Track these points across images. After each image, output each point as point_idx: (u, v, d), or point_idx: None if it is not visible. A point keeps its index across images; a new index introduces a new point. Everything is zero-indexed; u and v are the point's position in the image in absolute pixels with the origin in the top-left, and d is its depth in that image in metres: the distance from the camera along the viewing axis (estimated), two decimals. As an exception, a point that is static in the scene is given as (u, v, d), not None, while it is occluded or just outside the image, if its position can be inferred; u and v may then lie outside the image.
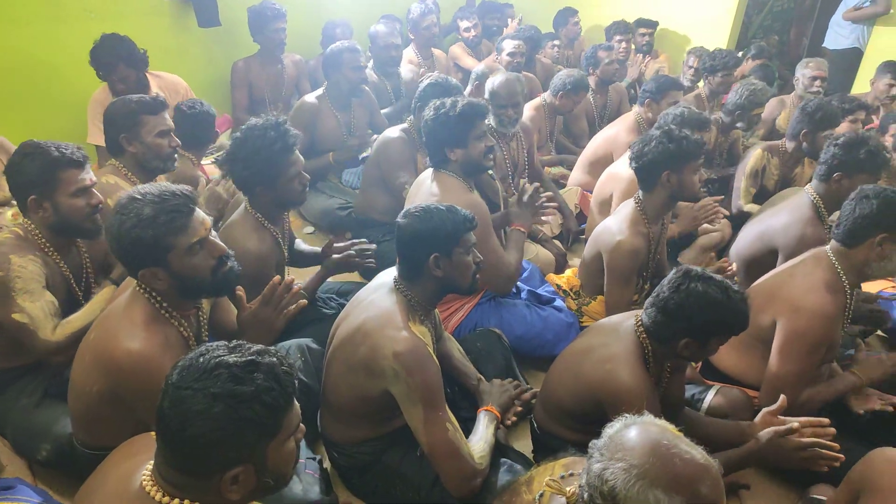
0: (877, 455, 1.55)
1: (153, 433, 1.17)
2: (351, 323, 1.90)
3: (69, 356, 1.79)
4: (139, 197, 1.58)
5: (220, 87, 4.44)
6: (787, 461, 1.78)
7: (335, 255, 2.46)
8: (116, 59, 3.17)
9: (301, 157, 2.29)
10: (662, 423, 1.13)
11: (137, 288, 1.66)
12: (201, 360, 1.13)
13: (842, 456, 1.71)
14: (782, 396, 1.89)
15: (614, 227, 2.60)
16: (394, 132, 3.26)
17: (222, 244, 1.70)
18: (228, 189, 2.64)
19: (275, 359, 1.16)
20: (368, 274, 2.69)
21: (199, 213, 1.65)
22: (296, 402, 1.19)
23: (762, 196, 3.50)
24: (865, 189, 2.13)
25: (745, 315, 1.74)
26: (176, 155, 2.54)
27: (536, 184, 2.71)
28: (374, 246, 2.55)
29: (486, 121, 2.63)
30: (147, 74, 3.35)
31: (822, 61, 4.55)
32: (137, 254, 1.58)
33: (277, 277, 1.79)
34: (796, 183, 3.51)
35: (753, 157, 3.55)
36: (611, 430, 1.12)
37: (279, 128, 2.19)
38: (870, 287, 2.93)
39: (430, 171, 2.65)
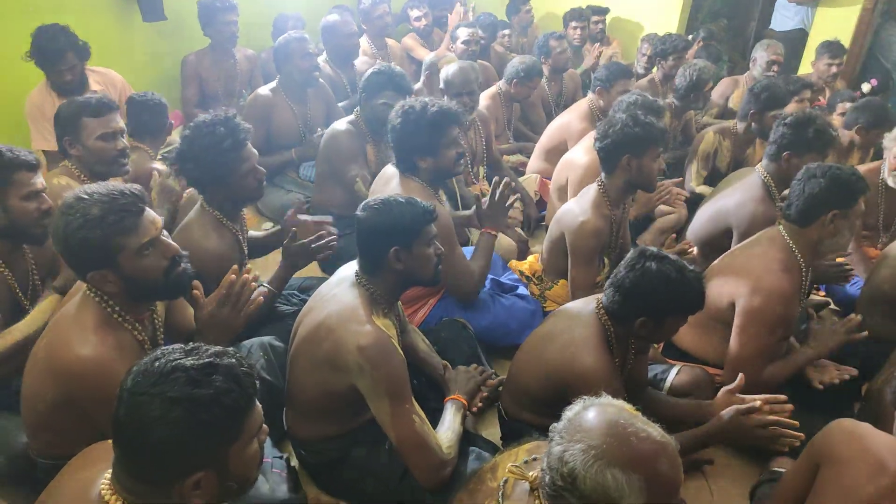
0: (835, 426, 1.59)
1: (111, 440, 1.13)
2: (313, 319, 1.87)
3: (13, 367, 1.73)
4: (86, 196, 1.52)
5: (168, 83, 4.32)
6: (749, 438, 1.82)
7: (296, 243, 2.36)
8: (65, 47, 3.07)
9: (255, 151, 2.22)
10: (620, 403, 1.14)
11: (88, 291, 1.60)
12: (157, 364, 1.09)
13: (801, 434, 1.76)
14: (741, 375, 1.94)
15: (577, 208, 2.62)
16: (341, 125, 3.20)
17: (175, 244, 1.65)
18: (181, 182, 2.58)
19: (234, 360, 1.13)
20: (330, 268, 2.66)
21: (150, 212, 1.60)
22: (257, 404, 1.16)
23: (715, 178, 3.58)
24: (812, 168, 2.19)
25: (700, 294, 1.77)
26: (124, 159, 2.45)
27: (506, 179, 2.66)
28: (335, 232, 2.47)
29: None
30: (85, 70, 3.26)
31: (778, 45, 4.65)
32: (85, 256, 1.52)
33: (233, 275, 1.73)
34: (748, 163, 3.59)
35: (705, 140, 3.62)
36: (570, 412, 1.13)
37: (228, 123, 2.13)
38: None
39: (395, 171, 2.59)
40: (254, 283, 1.78)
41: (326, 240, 2.38)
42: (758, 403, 1.80)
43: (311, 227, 2.44)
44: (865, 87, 4.68)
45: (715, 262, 2.42)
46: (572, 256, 2.62)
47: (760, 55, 4.59)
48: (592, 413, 1.10)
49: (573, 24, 5.45)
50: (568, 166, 3.25)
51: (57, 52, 3.07)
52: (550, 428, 1.14)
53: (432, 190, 2.54)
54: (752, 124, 3.45)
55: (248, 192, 2.23)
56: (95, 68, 3.49)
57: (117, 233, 1.52)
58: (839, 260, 2.74)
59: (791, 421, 1.79)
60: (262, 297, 1.79)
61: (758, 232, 2.37)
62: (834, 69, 4.63)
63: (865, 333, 2.24)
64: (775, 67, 4.50)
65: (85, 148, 2.37)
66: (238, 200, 2.27)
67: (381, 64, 3.26)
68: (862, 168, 3.13)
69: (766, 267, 2.16)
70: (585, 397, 1.16)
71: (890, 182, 3.03)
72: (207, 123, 2.12)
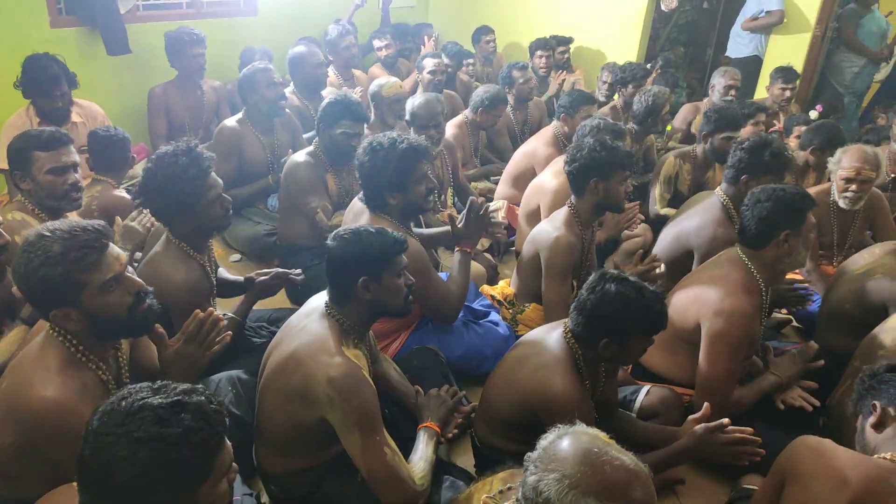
0: (798, 443, 1.63)
1: (76, 483, 1.11)
2: (283, 351, 1.85)
3: None
4: (48, 234, 1.50)
5: (133, 115, 4.31)
6: (718, 455, 1.86)
7: (261, 278, 2.41)
8: (59, 74, 3.15)
9: (219, 181, 2.20)
10: (593, 431, 1.15)
11: (51, 330, 1.57)
12: (123, 403, 1.07)
13: (762, 451, 1.82)
14: (706, 404, 1.97)
15: (550, 226, 2.67)
16: (300, 156, 3.19)
17: (139, 280, 1.62)
18: (143, 222, 2.55)
19: (203, 397, 1.11)
20: (299, 299, 2.65)
21: (114, 248, 1.58)
22: (227, 442, 1.14)
23: (677, 200, 3.66)
24: (757, 192, 2.26)
25: (660, 314, 1.81)
26: (76, 193, 2.39)
27: (481, 199, 2.66)
28: (301, 278, 2.50)
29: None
30: None
31: (735, 71, 4.80)
32: (47, 294, 1.49)
33: (199, 312, 1.71)
34: (709, 186, 3.69)
35: (666, 164, 3.72)
36: (544, 441, 1.13)
37: (191, 153, 2.10)
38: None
39: (364, 208, 2.56)
40: (223, 322, 1.75)
41: (292, 277, 2.44)
42: (726, 421, 1.84)
43: (272, 282, 2.45)
44: (812, 115, 4.86)
45: (679, 283, 2.47)
46: (546, 273, 2.64)
47: (718, 81, 4.74)
48: (566, 442, 1.11)
49: (539, 52, 5.57)
50: (538, 191, 3.30)
51: (52, 80, 3.14)
52: (525, 457, 1.14)
53: (403, 227, 2.51)
54: (705, 145, 3.56)
55: (215, 220, 2.20)
56: (78, 100, 3.49)
57: (80, 269, 1.49)
58: (798, 278, 2.82)
59: (754, 438, 1.83)
60: (228, 336, 1.77)
61: (718, 253, 2.43)
62: (787, 93, 4.80)
63: (822, 363, 2.32)
64: (733, 92, 4.65)
65: (35, 182, 2.32)
66: (205, 230, 2.23)
67: (336, 93, 3.28)
68: (813, 190, 3.24)
69: (728, 289, 2.21)
70: (560, 425, 1.17)
71: (841, 204, 3.14)
72: (169, 154, 2.10)
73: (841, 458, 1.53)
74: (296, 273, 2.51)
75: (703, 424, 1.86)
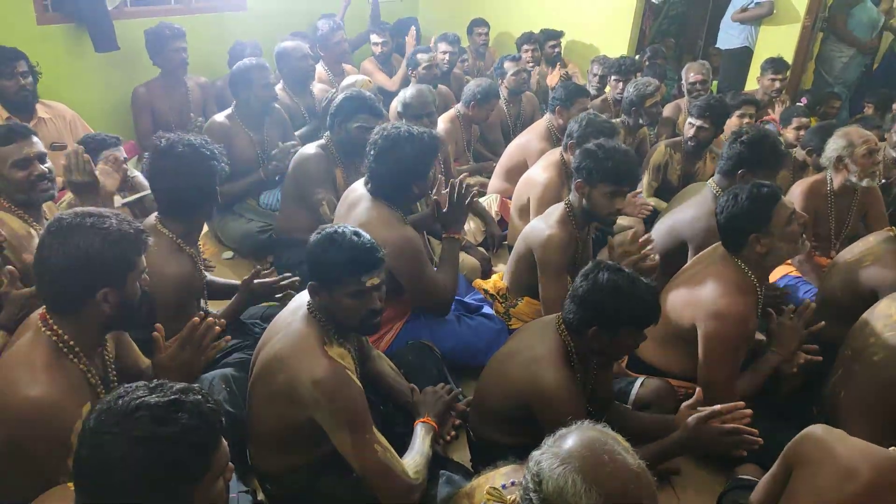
0: (808, 432, 1.64)
1: (70, 484, 1.10)
2: (268, 351, 1.85)
3: None
4: (97, 217, 1.54)
5: (122, 113, 4.26)
6: (713, 445, 1.84)
7: (256, 281, 2.40)
8: (18, 54, 3.19)
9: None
10: (602, 428, 1.15)
11: (41, 327, 1.55)
12: (120, 402, 1.07)
13: (759, 439, 1.80)
14: (698, 389, 1.97)
15: (544, 224, 2.65)
16: (311, 148, 3.20)
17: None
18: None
19: (199, 396, 1.11)
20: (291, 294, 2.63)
21: None
22: (224, 441, 1.14)
23: (667, 190, 3.68)
24: (720, 202, 2.26)
25: (651, 306, 1.81)
26: (46, 183, 2.33)
27: (462, 177, 2.65)
28: (297, 278, 2.49)
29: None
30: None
31: (703, 64, 4.78)
32: (101, 273, 1.52)
33: (196, 318, 1.70)
34: (699, 177, 3.70)
35: (656, 152, 3.74)
36: (552, 438, 1.14)
37: (198, 139, 2.21)
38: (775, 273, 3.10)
39: (363, 192, 2.55)
40: (217, 328, 1.74)
41: (287, 282, 2.44)
42: (718, 408, 1.83)
43: (269, 284, 2.44)
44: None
45: (673, 278, 2.47)
46: (542, 272, 2.64)
47: (686, 77, 4.73)
48: (575, 432, 1.12)
49: (525, 47, 5.56)
50: (528, 184, 3.29)
51: (13, 54, 3.17)
52: (530, 456, 1.14)
53: (401, 213, 2.53)
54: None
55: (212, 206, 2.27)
56: (45, 101, 3.46)
57: (134, 251, 1.57)
58: (792, 271, 2.80)
59: (750, 429, 1.81)
60: (225, 340, 1.76)
61: (712, 244, 2.43)
62: (777, 84, 4.80)
63: (823, 323, 2.28)
64: (698, 86, 4.61)
65: (2, 178, 2.27)
66: (202, 218, 2.28)
67: (353, 89, 3.27)
68: (808, 180, 3.24)
69: (723, 290, 2.19)
70: (554, 420, 1.18)
71: (867, 183, 3.07)
72: (185, 141, 2.19)
73: (851, 449, 1.53)
74: (291, 278, 2.49)
75: (696, 414, 1.85)
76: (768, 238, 2.17)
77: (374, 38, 5.36)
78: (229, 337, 1.81)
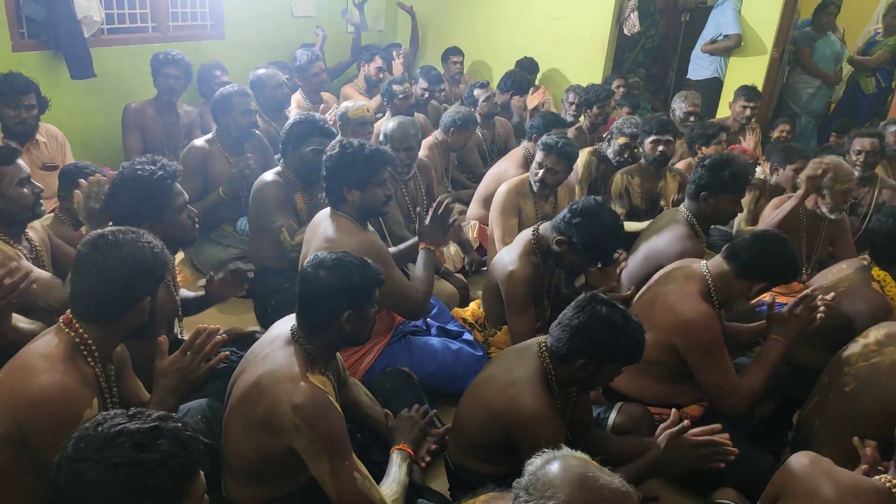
0: (793, 461, 1.64)
1: None
2: (246, 380, 1.82)
3: None
4: (134, 233, 1.66)
5: (98, 139, 4.25)
6: (688, 461, 1.85)
7: (216, 277, 2.44)
8: (29, 86, 3.21)
9: (185, 192, 2.25)
10: (581, 455, 1.15)
11: (64, 328, 1.59)
12: (100, 429, 1.07)
13: (735, 449, 1.81)
14: (673, 410, 1.97)
15: (507, 257, 2.66)
16: (268, 176, 3.18)
17: None
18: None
19: (179, 424, 1.12)
20: (267, 323, 2.61)
21: None
22: (201, 471, 1.14)
23: (635, 213, 3.76)
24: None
25: (639, 344, 1.83)
26: (41, 200, 2.36)
27: (448, 195, 2.70)
28: (251, 267, 2.55)
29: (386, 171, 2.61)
30: None
31: (695, 96, 4.92)
32: (147, 282, 1.65)
33: (200, 326, 1.76)
34: (663, 196, 3.81)
35: (614, 183, 3.86)
36: (531, 467, 1.12)
37: (156, 162, 2.18)
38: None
39: (326, 211, 2.61)
40: (220, 337, 1.78)
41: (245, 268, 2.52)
42: (687, 422, 1.85)
43: (230, 279, 2.50)
44: None
45: (637, 295, 2.50)
46: (507, 305, 2.66)
47: (679, 106, 4.86)
48: (558, 466, 1.10)
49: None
50: (496, 183, 3.44)
51: (24, 87, 3.19)
52: (513, 484, 1.13)
53: (360, 225, 2.54)
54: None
55: (184, 230, 2.24)
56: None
57: (166, 264, 1.71)
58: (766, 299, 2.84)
59: (725, 441, 1.82)
60: (227, 352, 1.79)
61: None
62: (748, 111, 4.90)
63: (831, 297, 2.30)
64: (692, 118, 4.74)
65: (6, 198, 2.25)
66: (172, 241, 2.20)
67: (300, 113, 3.31)
68: (777, 200, 3.34)
69: (686, 297, 2.25)
70: (545, 450, 1.16)
71: (833, 216, 3.22)
72: (136, 163, 2.18)
73: (837, 486, 1.52)
74: (248, 267, 2.55)
75: (666, 432, 1.86)
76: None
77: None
78: (228, 353, 1.85)
